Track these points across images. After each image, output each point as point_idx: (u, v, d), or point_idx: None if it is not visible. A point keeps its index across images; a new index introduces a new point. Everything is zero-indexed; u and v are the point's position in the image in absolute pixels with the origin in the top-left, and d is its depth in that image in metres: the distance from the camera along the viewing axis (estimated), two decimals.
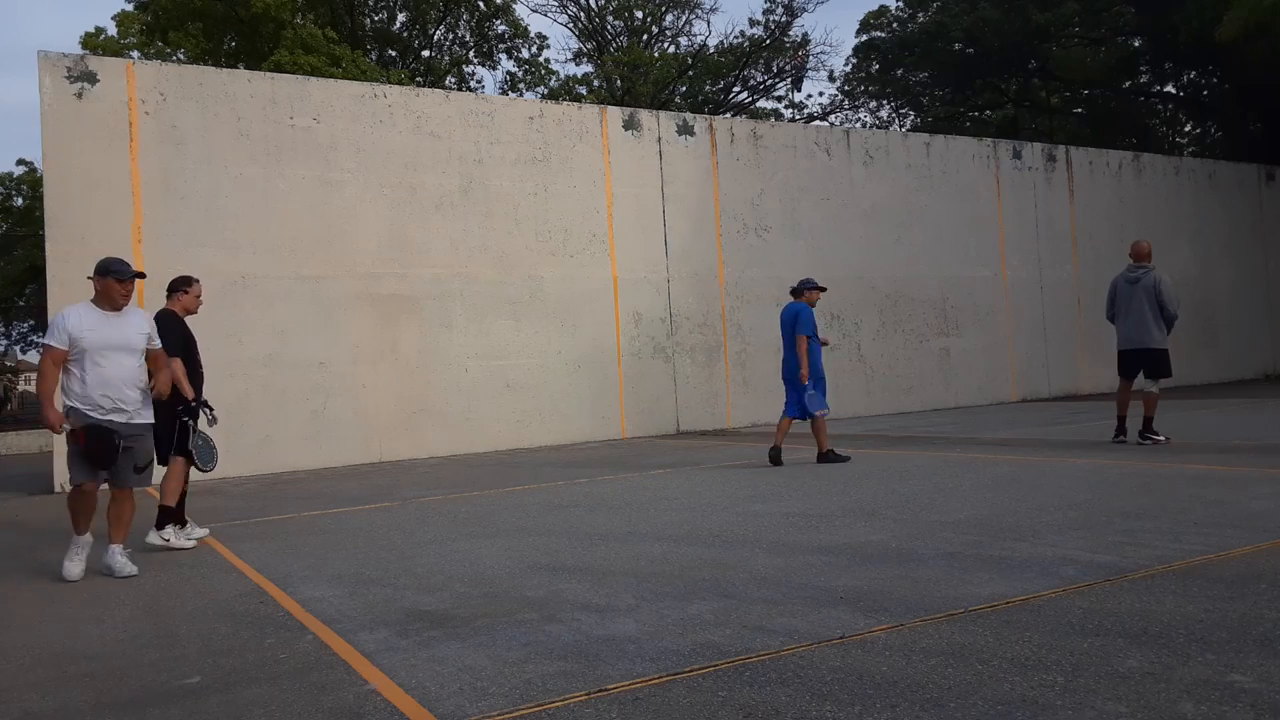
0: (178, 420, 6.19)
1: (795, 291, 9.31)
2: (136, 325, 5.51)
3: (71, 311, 5.38)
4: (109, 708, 3.19)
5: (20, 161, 36.38)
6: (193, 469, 6.44)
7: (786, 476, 8.28)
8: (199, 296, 6.80)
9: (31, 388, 55.81)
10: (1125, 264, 9.67)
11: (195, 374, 6.45)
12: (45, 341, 5.34)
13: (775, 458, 9.02)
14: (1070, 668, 3.00)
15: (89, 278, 5.48)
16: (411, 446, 12.31)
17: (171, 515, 6.28)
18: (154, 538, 6.21)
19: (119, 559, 5.41)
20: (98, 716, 3.11)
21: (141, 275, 5.52)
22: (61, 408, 5.29)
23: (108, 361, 5.30)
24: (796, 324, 9.02)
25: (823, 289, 9.38)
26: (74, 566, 5.37)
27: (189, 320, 6.67)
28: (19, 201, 35.78)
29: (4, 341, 45.54)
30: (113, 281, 5.40)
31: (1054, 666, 3.02)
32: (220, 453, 6.69)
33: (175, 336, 6.34)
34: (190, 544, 6.28)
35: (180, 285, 6.78)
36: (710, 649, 3.40)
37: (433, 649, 3.61)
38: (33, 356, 48.38)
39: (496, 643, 3.64)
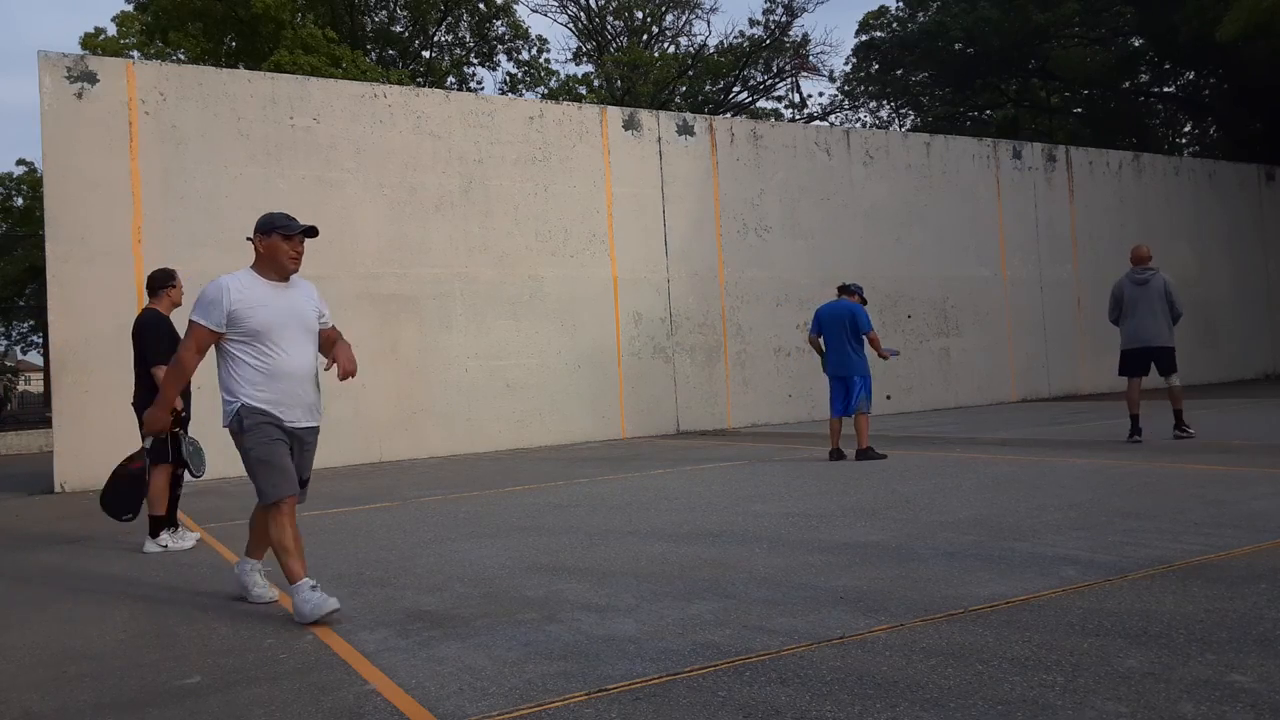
0: (168, 430, 5.69)
1: (847, 290, 9.45)
2: (309, 297, 4.33)
3: (232, 281, 4.14)
4: (109, 708, 3.18)
5: (20, 161, 36.41)
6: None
7: (786, 476, 8.28)
8: (183, 291, 6.41)
9: (32, 388, 55.40)
10: (1126, 265, 9.79)
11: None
12: (193, 318, 4.12)
13: (837, 457, 9.28)
14: (1070, 668, 3.00)
15: (248, 239, 4.32)
16: (411, 446, 12.31)
17: (163, 522, 6.23)
18: (151, 546, 6.16)
19: (258, 580, 4.54)
20: (98, 716, 3.11)
21: (313, 232, 4.26)
22: (229, 410, 4.15)
23: (286, 347, 4.15)
24: (857, 322, 9.18)
25: (865, 301, 9.59)
26: (329, 600, 4.07)
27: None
28: (19, 201, 35.80)
29: (4, 342, 45.53)
30: (279, 239, 4.16)
31: (1054, 666, 3.02)
32: (220, 453, 6.65)
33: (165, 339, 5.99)
34: (189, 544, 6.26)
35: (166, 280, 6.32)
36: (710, 649, 3.40)
37: (433, 649, 3.61)
38: (34, 357, 48.07)
39: (496, 643, 3.63)
